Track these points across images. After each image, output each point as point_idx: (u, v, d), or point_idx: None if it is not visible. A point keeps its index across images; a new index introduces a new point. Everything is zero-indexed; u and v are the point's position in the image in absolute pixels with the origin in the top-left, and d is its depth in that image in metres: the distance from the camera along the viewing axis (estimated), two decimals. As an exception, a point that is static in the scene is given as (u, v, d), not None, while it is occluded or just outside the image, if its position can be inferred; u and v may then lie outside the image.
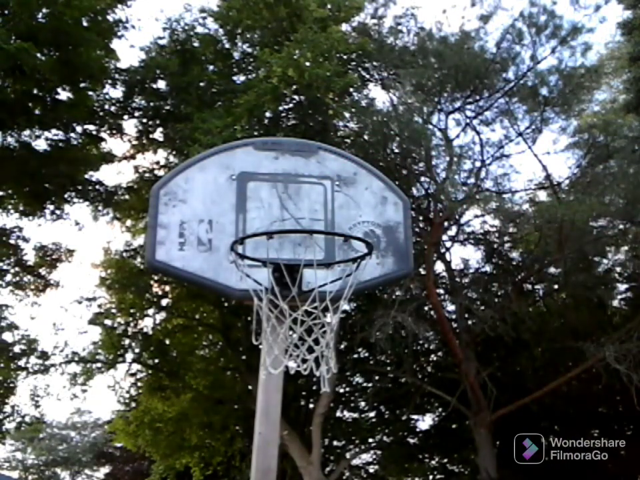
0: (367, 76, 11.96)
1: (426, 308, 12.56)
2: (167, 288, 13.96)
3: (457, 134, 11.81)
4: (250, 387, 13.13)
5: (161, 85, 11.82)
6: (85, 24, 9.90)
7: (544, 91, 11.02)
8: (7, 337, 13.01)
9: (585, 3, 10.59)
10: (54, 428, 26.10)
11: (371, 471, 17.53)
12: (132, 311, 14.23)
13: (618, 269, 12.63)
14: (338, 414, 16.24)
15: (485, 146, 11.78)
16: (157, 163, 12.99)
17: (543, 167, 11.67)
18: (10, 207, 12.23)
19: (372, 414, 16.24)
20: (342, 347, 13.26)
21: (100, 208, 12.93)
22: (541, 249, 11.56)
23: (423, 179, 11.85)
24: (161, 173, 12.31)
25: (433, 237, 11.11)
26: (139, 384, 15.37)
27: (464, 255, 22.80)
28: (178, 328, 14.80)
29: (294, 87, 9.43)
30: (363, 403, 16.19)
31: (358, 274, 2.77)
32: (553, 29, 10.58)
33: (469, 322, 12.06)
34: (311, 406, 14.22)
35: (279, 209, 2.97)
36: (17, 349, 13.04)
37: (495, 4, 11.25)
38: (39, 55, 9.03)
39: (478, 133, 11.80)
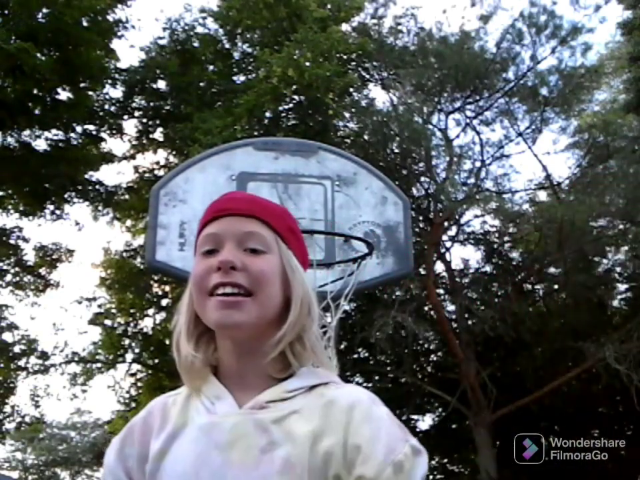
0: (367, 76, 11.97)
1: (426, 308, 12.55)
2: (167, 288, 13.96)
3: (457, 134, 11.82)
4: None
5: (161, 85, 11.83)
6: (84, 24, 9.91)
7: (544, 91, 11.02)
8: (7, 337, 13.01)
9: (584, 3, 10.62)
10: (54, 428, 26.09)
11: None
12: (132, 311, 14.24)
13: (618, 269, 12.62)
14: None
15: (484, 146, 11.79)
16: (157, 163, 13.00)
17: (543, 167, 11.67)
18: (10, 206, 12.23)
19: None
20: (342, 347, 13.25)
21: (100, 208, 12.93)
22: (541, 249, 11.56)
23: (423, 179, 11.86)
24: (161, 173, 12.32)
25: (433, 237, 11.11)
26: (139, 384, 15.37)
27: (464, 255, 22.82)
28: (178, 328, 14.78)
29: (294, 87, 9.43)
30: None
31: (358, 274, 2.77)
32: (552, 29, 10.59)
33: (469, 322, 12.06)
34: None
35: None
36: (16, 349, 13.04)
37: (494, 4, 11.27)
38: (38, 54, 9.04)
39: (478, 133, 11.81)
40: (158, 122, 12.27)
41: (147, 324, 14.64)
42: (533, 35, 10.67)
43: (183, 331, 0.93)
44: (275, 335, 0.88)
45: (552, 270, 12.48)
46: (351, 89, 10.67)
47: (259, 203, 0.95)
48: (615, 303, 13.29)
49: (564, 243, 10.29)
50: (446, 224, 12.05)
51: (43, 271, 13.24)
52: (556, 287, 12.97)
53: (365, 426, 0.82)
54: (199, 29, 11.67)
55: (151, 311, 14.57)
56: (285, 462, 0.79)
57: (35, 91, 9.91)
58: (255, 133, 9.39)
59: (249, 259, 0.87)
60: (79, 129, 11.56)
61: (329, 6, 10.84)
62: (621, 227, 11.00)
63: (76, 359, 13.94)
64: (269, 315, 0.88)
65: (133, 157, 12.90)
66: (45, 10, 9.42)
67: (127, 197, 12.82)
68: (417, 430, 16.17)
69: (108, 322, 14.29)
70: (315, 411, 0.85)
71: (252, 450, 0.81)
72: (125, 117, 12.14)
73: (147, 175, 12.79)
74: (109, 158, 12.28)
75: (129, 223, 13.87)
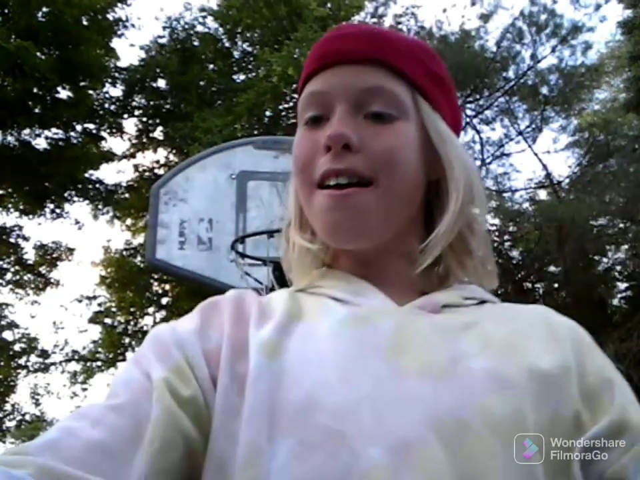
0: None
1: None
2: (167, 286, 13.97)
3: (457, 133, 11.79)
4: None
5: (161, 83, 11.82)
6: (85, 23, 9.91)
7: (544, 90, 11.02)
8: (7, 335, 13.02)
9: (585, 2, 10.59)
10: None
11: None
12: (132, 309, 14.25)
13: (618, 268, 12.62)
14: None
15: (485, 145, 11.79)
16: (157, 161, 13.00)
17: (543, 166, 11.68)
18: (10, 205, 12.23)
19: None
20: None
21: (100, 207, 12.93)
22: (541, 248, 11.55)
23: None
24: (161, 171, 12.31)
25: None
26: (139, 383, 15.36)
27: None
28: (178, 327, 14.79)
29: (294, 85, 9.43)
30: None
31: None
32: (553, 28, 10.57)
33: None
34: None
35: (279, 208, 2.98)
36: (17, 347, 13.06)
37: (495, 3, 11.25)
38: (38, 53, 9.03)
39: (478, 132, 11.80)
40: (158, 121, 12.27)
41: (147, 322, 14.65)
42: (533, 34, 10.66)
43: (293, 221, 0.68)
44: (419, 237, 0.63)
45: (552, 269, 12.48)
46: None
47: (387, 39, 0.62)
48: (615, 301, 13.29)
49: (564, 241, 10.28)
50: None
51: (43, 269, 13.24)
52: (556, 285, 12.97)
53: (598, 354, 0.59)
54: (199, 28, 11.67)
55: (151, 310, 14.58)
56: (494, 377, 0.52)
57: (35, 90, 9.90)
58: (255, 132, 9.38)
59: (372, 132, 0.59)
60: (78, 127, 11.56)
61: (329, 5, 10.83)
62: (621, 225, 11.00)
63: (76, 357, 13.96)
64: (402, 212, 0.61)
65: (133, 155, 12.89)
66: (44, 9, 9.41)
67: (127, 195, 12.82)
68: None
69: (108, 320, 14.30)
70: (513, 321, 0.59)
71: (435, 357, 0.53)
72: (125, 115, 12.14)
73: (147, 173, 12.79)
74: (109, 157, 12.28)
75: (129, 221, 13.87)
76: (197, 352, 0.55)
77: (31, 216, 12.27)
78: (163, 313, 14.92)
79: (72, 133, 11.51)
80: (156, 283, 13.79)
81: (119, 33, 10.95)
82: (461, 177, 0.61)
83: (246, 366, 0.54)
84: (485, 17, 11.15)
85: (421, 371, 0.52)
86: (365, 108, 0.59)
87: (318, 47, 0.64)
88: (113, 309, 14.38)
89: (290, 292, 0.64)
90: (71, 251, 13.31)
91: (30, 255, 12.96)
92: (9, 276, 12.94)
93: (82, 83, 10.64)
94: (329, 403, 0.50)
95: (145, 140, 12.58)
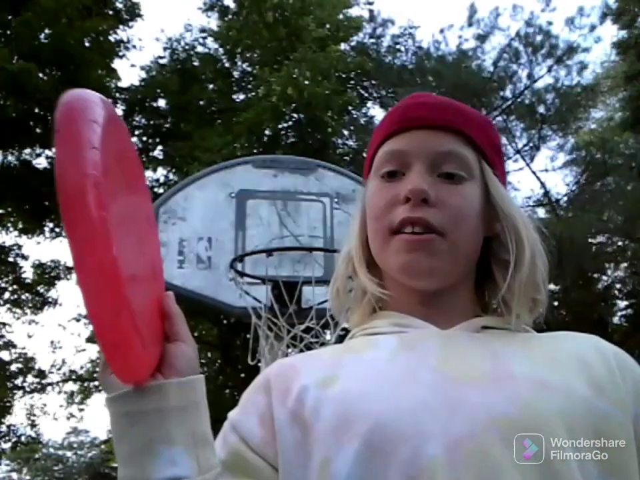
0: (366, 94, 12.07)
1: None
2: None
3: (455, 151, 11.86)
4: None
5: (161, 103, 11.92)
6: (87, 44, 10.03)
7: (541, 109, 11.12)
8: (4, 355, 12.92)
9: (579, 23, 10.74)
10: (50, 448, 25.77)
11: None
12: (130, 328, 14.17)
13: (618, 286, 12.60)
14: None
15: (483, 163, 11.84)
16: (157, 180, 13.03)
17: (541, 184, 11.73)
18: (9, 224, 12.24)
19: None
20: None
21: (99, 225, 12.92)
22: (540, 266, 11.54)
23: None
24: (160, 190, 12.34)
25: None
26: (137, 403, 15.18)
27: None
28: (176, 346, 14.66)
29: (293, 105, 9.51)
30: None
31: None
32: (548, 49, 10.71)
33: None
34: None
35: (278, 227, 2.99)
36: (13, 367, 12.94)
37: (491, 24, 11.41)
38: (40, 74, 9.12)
39: (476, 151, 11.87)
40: (158, 140, 12.34)
41: (145, 342, 14.56)
42: (529, 54, 10.79)
43: (359, 265, 0.72)
44: (471, 285, 0.72)
45: (551, 287, 12.46)
46: (350, 107, 10.76)
47: (460, 110, 0.73)
48: (616, 319, 13.24)
49: (563, 259, 10.28)
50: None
51: (41, 288, 13.20)
52: (556, 303, 12.93)
53: None
54: (199, 49, 11.82)
55: (149, 329, 14.50)
56: (537, 381, 0.60)
57: (37, 110, 9.98)
58: (255, 151, 9.43)
59: (445, 190, 0.67)
60: (79, 147, 11.61)
61: (327, 26, 10.98)
62: (620, 243, 11.02)
63: (73, 377, 13.84)
64: (465, 262, 0.69)
65: (132, 174, 12.94)
66: (47, 30, 9.53)
67: (126, 214, 12.83)
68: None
69: (106, 340, 14.21)
70: (558, 344, 0.72)
71: (480, 367, 0.61)
72: (125, 135, 12.21)
73: (146, 192, 12.82)
74: (109, 176, 12.32)
75: (128, 240, 13.86)
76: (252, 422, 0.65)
77: (30, 235, 12.27)
78: (162, 332, 14.83)
79: (72, 153, 11.56)
80: (155, 302, 13.73)
81: (120, 54, 11.09)
82: (523, 231, 0.71)
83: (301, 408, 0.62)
84: (482, 38, 11.30)
85: (469, 378, 0.59)
86: (439, 168, 0.68)
87: (397, 112, 0.73)
88: (111, 328, 14.29)
89: (336, 347, 0.72)
90: (69, 269, 13.27)
91: (28, 274, 12.94)
92: (6, 295, 12.90)
93: (83, 103, 10.71)
94: (387, 411, 0.57)
95: (144, 159, 12.64)
